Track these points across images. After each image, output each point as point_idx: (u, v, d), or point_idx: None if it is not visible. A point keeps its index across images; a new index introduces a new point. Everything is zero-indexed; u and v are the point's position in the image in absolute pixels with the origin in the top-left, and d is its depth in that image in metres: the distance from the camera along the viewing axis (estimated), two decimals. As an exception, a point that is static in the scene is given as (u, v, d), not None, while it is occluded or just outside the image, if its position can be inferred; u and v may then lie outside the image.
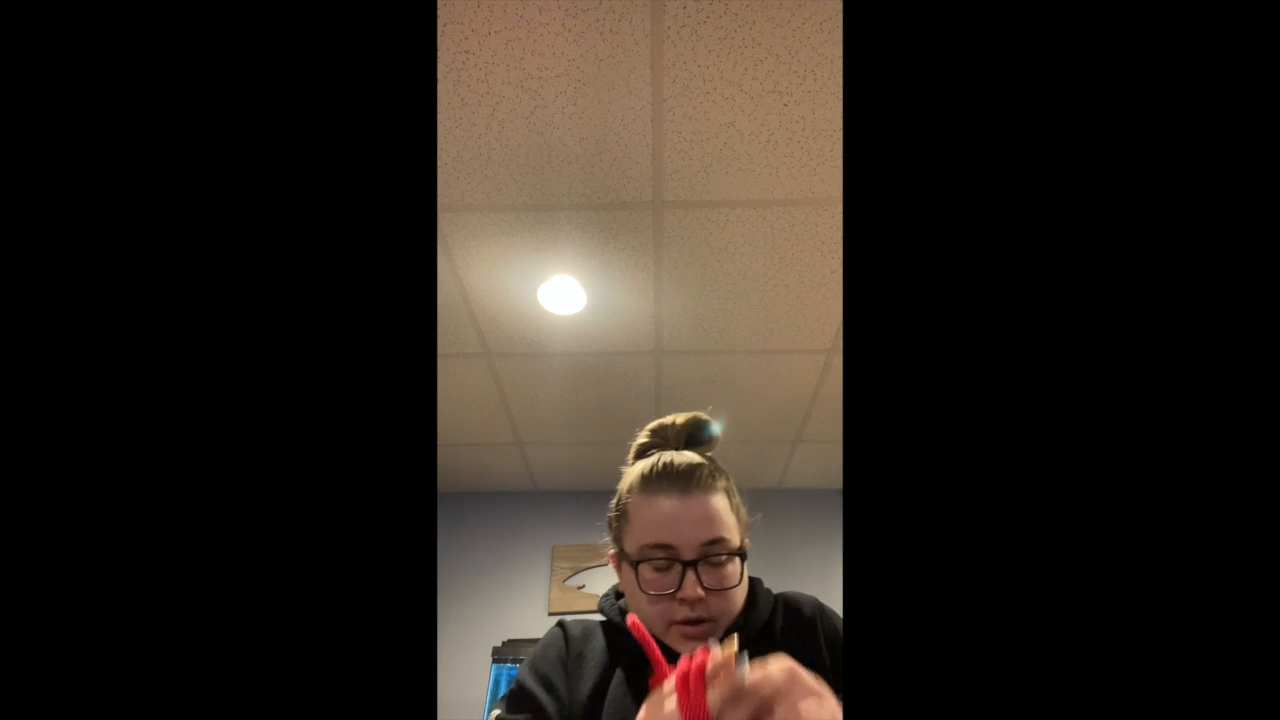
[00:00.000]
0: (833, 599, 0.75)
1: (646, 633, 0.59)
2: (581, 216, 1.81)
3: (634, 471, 0.82)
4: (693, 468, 0.79)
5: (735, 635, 0.57)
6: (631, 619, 0.61)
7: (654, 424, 0.87)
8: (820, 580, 2.80)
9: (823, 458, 2.82)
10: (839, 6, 1.37)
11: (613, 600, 0.85)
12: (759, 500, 0.89)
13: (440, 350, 2.25)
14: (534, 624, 2.78)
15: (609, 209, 1.79)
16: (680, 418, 0.86)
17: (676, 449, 0.84)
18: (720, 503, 0.78)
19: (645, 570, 0.76)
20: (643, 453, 0.86)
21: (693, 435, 0.85)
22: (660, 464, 0.80)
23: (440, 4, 1.36)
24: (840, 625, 0.79)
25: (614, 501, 0.84)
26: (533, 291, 2.03)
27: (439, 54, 1.43)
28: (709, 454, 0.85)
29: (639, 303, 2.07)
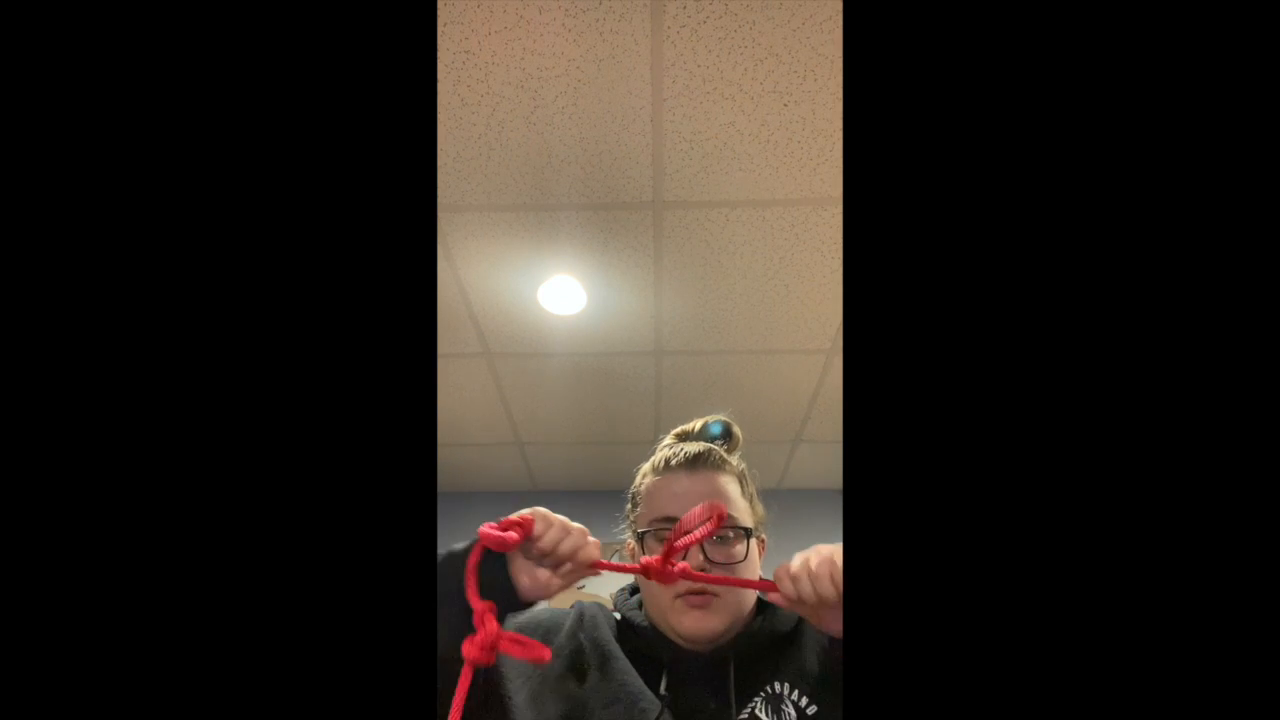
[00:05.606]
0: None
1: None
2: (581, 216, 1.80)
3: (649, 463, 0.87)
4: (704, 450, 0.83)
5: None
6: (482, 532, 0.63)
7: (678, 429, 0.92)
8: (820, 580, 2.79)
9: (823, 458, 2.82)
10: (839, 6, 1.37)
11: (627, 596, 0.88)
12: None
13: (440, 350, 2.25)
14: (534, 624, 2.78)
15: (609, 209, 1.78)
16: (698, 422, 0.90)
17: None
18: (729, 483, 0.81)
19: (650, 541, 0.79)
20: None
21: (705, 432, 0.90)
22: (673, 452, 0.84)
23: (440, 4, 1.36)
24: None
25: (630, 493, 0.88)
26: (533, 291, 2.03)
27: (439, 54, 1.43)
28: (725, 448, 0.88)
29: (639, 303, 2.07)
